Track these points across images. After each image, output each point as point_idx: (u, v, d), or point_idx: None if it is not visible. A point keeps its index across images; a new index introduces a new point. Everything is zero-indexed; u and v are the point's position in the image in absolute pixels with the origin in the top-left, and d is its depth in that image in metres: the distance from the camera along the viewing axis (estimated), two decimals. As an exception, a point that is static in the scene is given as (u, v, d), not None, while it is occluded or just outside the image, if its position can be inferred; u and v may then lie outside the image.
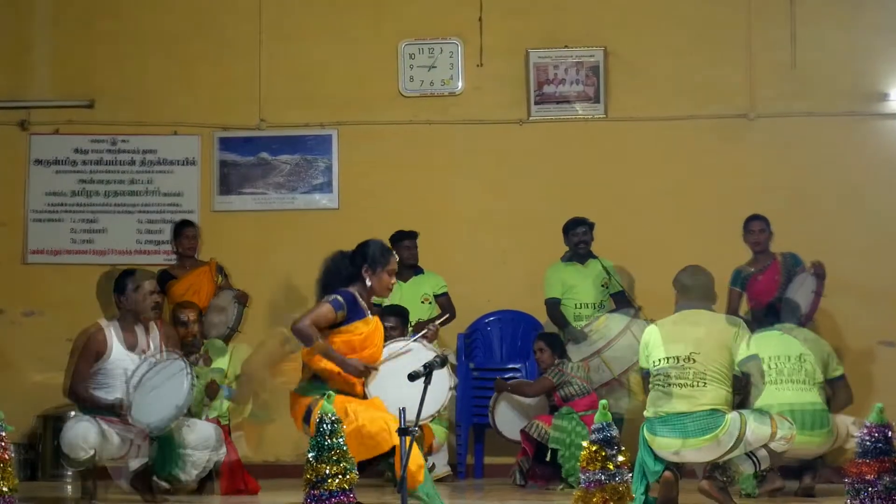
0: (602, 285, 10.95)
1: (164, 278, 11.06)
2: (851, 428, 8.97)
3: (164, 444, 8.60)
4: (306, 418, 7.62)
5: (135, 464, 8.84)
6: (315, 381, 7.71)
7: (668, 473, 7.96)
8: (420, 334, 8.07)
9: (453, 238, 11.72)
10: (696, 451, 7.89)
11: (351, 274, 7.91)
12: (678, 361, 7.97)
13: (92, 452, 8.45)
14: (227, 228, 11.83)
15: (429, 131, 11.97)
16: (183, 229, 11.17)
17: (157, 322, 8.98)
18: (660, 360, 8.06)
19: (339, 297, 7.78)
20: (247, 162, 12.03)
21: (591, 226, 11.03)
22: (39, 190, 11.98)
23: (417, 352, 7.86)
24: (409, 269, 11.16)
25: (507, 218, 11.78)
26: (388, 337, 10.24)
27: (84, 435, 8.43)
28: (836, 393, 9.20)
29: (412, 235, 11.18)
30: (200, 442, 8.73)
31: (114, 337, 8.74)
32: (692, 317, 8.15)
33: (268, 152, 12.03)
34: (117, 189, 12.03)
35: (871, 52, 11.73)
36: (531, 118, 11.91)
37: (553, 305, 10.97)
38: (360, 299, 7.88)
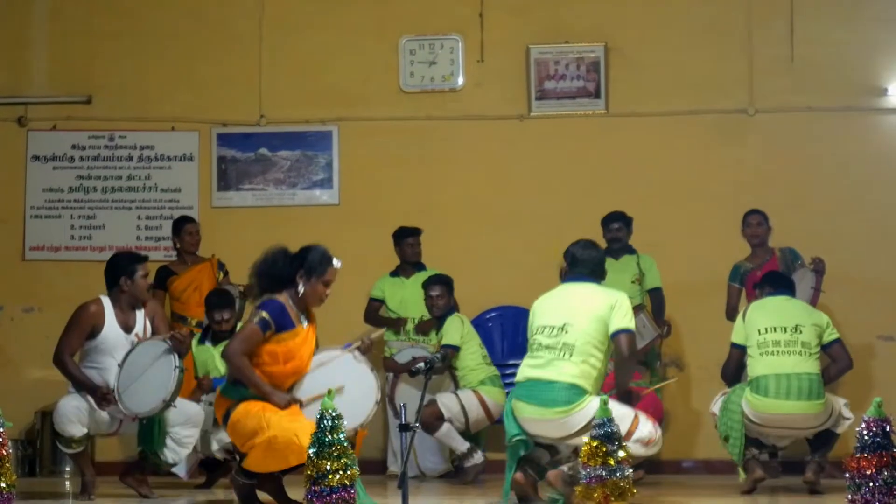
0: (632, 282, 10.81)
1: (165, 274, 11.08)
2: (844, 410, 8.95)
3: (149, 423, 8.59)
4: (225, 418, 7.56)
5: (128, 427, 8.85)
6: (238, 385, 7.59)
7: (518, 475, 7.87)
8: (353, 345, 7.77)
9: (453, 234, 11.71)
10: (546, 422, 7.77)
11: (287, 276, 7.67)
12: (552, 331, 7.92)
13: (85, 430, 8.47)
14: (227, 225, 11.83)
15: (429, 127, 11.97)
16: (184, 225, 11.16)
17: (155, 309, 9.02)
18: (536, 329, 8.03)
19: (266, 316, 7.55)
20: (246, 158, 12.02)
21: (627, 221, 10.91)
22: (37, 186, 11.98)
23: (346, 364, 7.66)
24: (413, 265, 11.17)
25: (508, 214, 11.77)
26: (434, 306, 10.30)
27: (75, 412, 8.48)
28: (835, 357, 9.14)
29: (416, 232, 11.18)
30: (182, 419, 8.67)
31: (112, 315, 8.74)
32: (573, 288, 8.10)
33: (267, 148, 12.03)
34: (115, 185, 12.03)
35: (871, 47, 11.73)
36: (532, 114, 11.91)
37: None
38: (291, 308, 7.65)
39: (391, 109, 11.97)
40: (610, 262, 10.73)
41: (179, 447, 8.71)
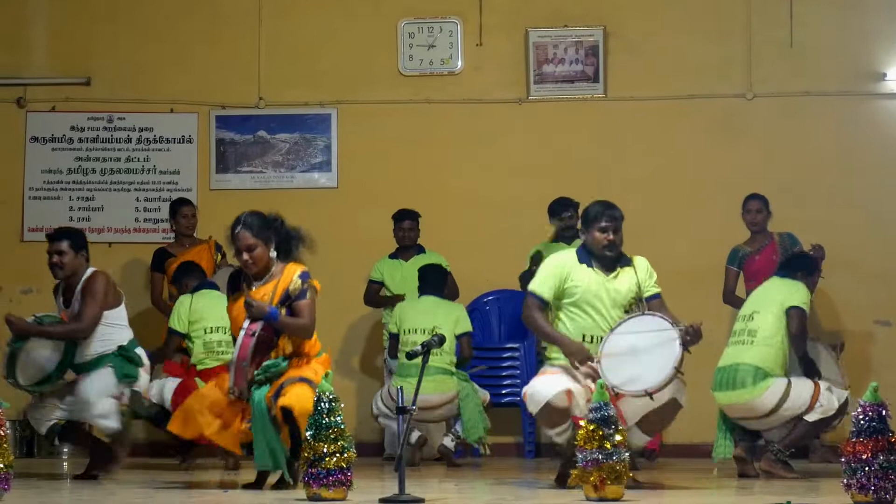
0: None
1: (163, 256, 11.11)
2: (824, 395, 8.69)
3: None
4: None
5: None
6: None
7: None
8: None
9: (452, 217, 11.72)
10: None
11: None
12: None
13: (54, 420, 8.72)
14: (225, 207, 11.75)
15: (428, 110, 11.97)
16: (180, 208, 11.19)
17: (88, 278, 8.82)
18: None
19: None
20: (245, 140, 12.02)
21: (577, 207, 11.02)
22: (36, 167, 11.99)
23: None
24: (411, 248, 11.18)
25: (506, 197, 11.78)
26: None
27: (42, 419, 8.72)
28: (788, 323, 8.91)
29: (413, 216, 11.19)
30: (94, 395, 8.64)
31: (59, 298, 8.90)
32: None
33: (266, 131, 12.03)
34: (114, 167, 12.03)
35: (869, 32, 11.73)
36: (530, 97, 11.91)
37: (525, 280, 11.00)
38: (245, 277, 7.90)
39: (390, 92, 11.97)
40: (563, 248, 10.84)
41: (103, 419, 8.66)
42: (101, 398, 8.62)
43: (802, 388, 8.70)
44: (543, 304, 7.98)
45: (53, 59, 12.09)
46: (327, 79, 12.00)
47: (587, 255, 8.03)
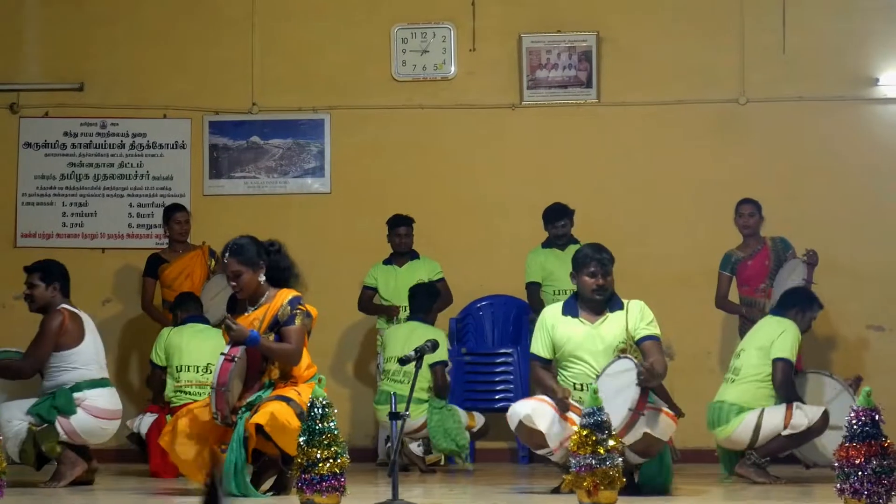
0: None
1: (156, 262, 11.10)
2: (796, 415, 8.82)
3: None
4: None
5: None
6: None
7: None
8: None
9: (445, 222, 11.72)
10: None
11: None
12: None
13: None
14: (219, 212, 11.82)
15: (421, 116, 11.97)
16: (173, 214, 11.17)
17: (45, 316, 8.82)
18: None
19: None
20: (238, 146, 12.02)
21: (571, 215, 11.02)
22: (29, 173, 11.98)
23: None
24: (406, 254, 11.17)
25: (499, 202, 11.78)
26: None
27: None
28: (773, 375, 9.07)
29: (408, 222, 11.18)
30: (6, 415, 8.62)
31: None
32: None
33: (259, 136, 12.03)
34: (107, 172, 12.02)
35: (862, 37, 11.73)
36: (523, 103, 11.91)
37: (531, 290, 11.00)
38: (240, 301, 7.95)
39: (383, 98, 11.97)
40: (557, 254, 10.87)
41: (9, 441, 8.50)
42: (11, 419, 8.58)
43: (773, 415, 8.94)
44: (544, 362, 8.08)
45: (46, 64, 12.09)
46: (321, 84, 12.00)
47: (573, 305, 8.08)
